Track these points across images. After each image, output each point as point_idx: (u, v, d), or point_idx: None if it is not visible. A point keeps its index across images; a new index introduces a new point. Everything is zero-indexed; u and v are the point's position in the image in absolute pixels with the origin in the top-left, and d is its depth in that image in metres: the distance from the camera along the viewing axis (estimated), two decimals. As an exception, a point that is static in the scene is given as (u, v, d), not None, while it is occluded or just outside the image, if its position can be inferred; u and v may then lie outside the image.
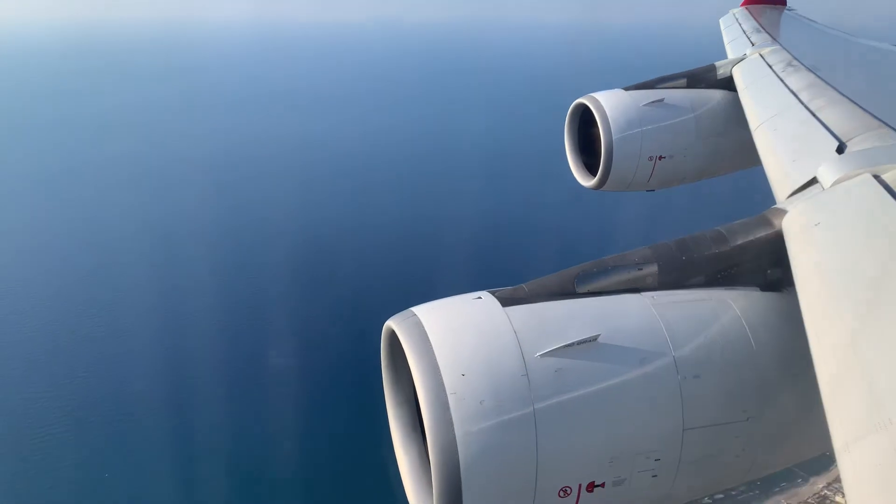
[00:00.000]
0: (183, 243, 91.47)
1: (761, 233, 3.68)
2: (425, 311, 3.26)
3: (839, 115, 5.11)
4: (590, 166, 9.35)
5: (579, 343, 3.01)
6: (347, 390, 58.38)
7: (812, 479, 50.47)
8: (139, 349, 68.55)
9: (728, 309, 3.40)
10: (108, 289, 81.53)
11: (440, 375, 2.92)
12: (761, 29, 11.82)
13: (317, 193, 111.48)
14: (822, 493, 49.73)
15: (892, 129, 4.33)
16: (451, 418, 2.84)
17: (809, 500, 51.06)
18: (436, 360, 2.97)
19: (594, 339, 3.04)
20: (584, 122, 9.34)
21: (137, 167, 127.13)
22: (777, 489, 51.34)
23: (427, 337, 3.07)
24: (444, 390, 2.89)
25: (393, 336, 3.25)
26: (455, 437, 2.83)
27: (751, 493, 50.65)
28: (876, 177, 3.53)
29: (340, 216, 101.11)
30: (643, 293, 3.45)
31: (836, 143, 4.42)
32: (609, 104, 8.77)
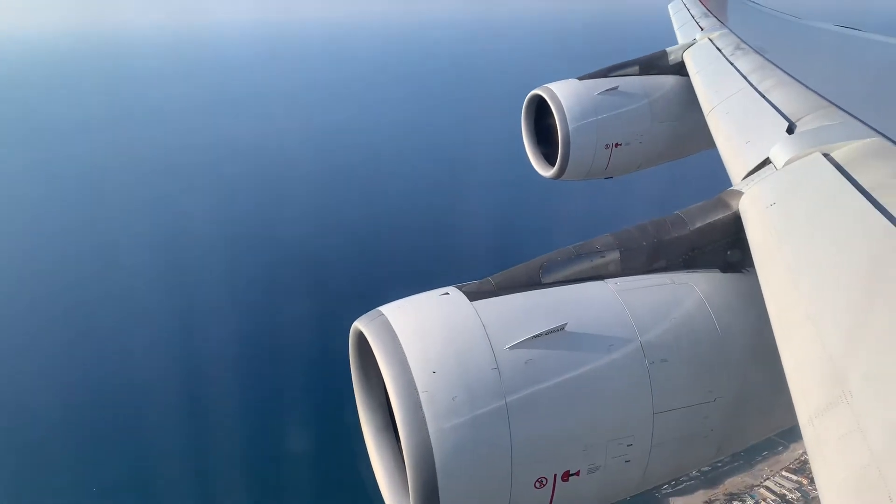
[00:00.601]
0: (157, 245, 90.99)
1: (719, 215, 3.73)
2: (393, 310, 3.24)
3: (787, 95, 5.21)
4: (548, 156, 9.41)
5: (547, 333, 3.02)
6: (317, 396, 57.79)
7: (792, 446, 52.70)
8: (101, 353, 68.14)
9: (691, 292, 3.44)
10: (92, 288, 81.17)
11: (411, 374, 2.90)
12: (709, 13, 12.02)
13: (285, 194, 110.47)
14: (802, 459, 51.78)
15: (838, 107, 4.42)
16: (423, 417, 2.83)
17: (791, 466, 53.37)
18: (406, 358, 2.94)
19: (562, 328, 3.04)
20: (541, 113, 9.40)
21: (136, 168, 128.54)
22: (759, 458, 53.72)
23: (396, 336, 3.04)
24: (415, 389, 2.87)
25: (361, 337, 3.22)
26: (429, 435, 2.81)
27: (735, 464, 52.72)
28: (825, 155, 3.61)
29: (302, 216, 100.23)
30: (607, 280, 3.47)
31: (786, 124, 4.50)
32: (564, 94, 8.84)
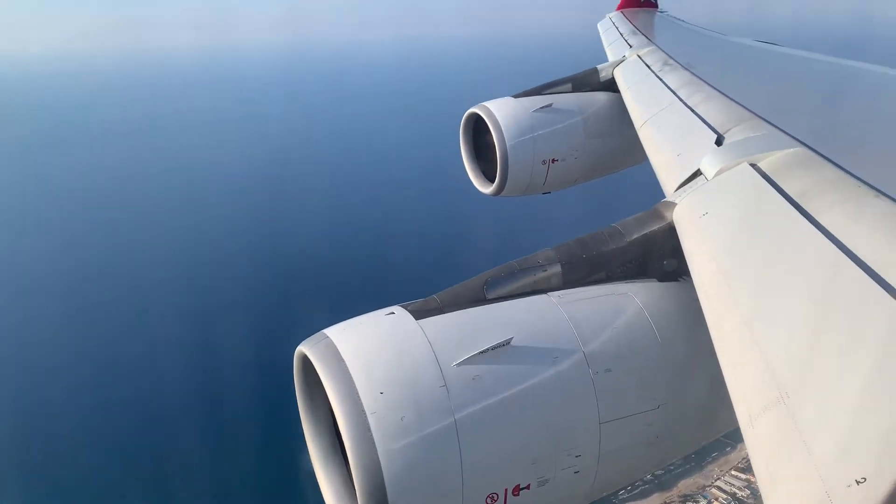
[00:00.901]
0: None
1: (654, 226, 3.82)
2: (338, 332, 3.19)
3: (715, 109, 5.39)
4: (487, 173, 9.52)
5: (494, 348, 3.02)
6: (262, 428, 56.35)
7: (739, 446, 54.38)
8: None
9: (630, 301, 3.50)
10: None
11: (358, 396, 2.85)
12: (637, 31, 12.42)
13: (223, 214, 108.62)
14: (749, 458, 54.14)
15: (763, 119, 4.61)
16: (372, 438, 2.78)
17: (739, 465, 55.31)
18: (352, 381, 2.90)
19: (507, 342, 3.05)
20: (478, 131, 9.51)
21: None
22: (709, 459, 55.59)
23: (341, 358, 2.99)
24: (363, 411, 2.82)
25: (306, 360, 3.16)
26: (378, 457, 2.77)
27: (687, 466, 54.23)
28: (753, 165, 3.74)
29: (239, 236, 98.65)
30: (550, 293, 3.50)
31: (714, 136, 4.66)
32: (500, 112, 8.97)
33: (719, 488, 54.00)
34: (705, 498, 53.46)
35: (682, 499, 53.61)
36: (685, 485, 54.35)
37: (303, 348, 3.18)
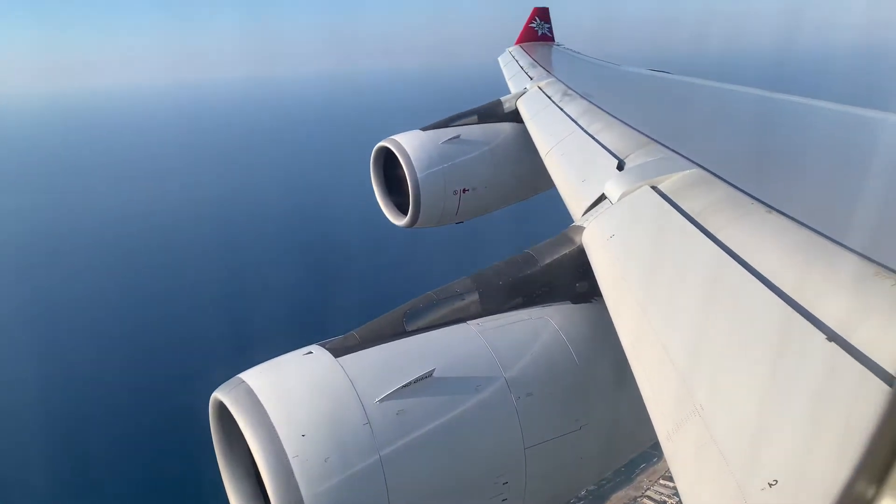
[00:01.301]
0: None
1: (565, 250, 3.93)
2: (254, 376, 3.09)
3: (614, 135, 5.63)
4: (400, 206, 9.55)
5: (416, 381, 2.99)
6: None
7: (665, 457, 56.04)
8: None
9: (547, 325, 3.56)
10: None
11: (279, 440, 2.77)
12: (536, 64, 12.89)
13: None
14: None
15: (659, 143, 4.85)
16: (296, 483, 2.70)
17: (666, 474, 56.08)
18: (272, 425, 2.81)
19: (430, 374, 3.03)
20: (389, 164, 9.55)
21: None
22: (638, 470, 56.65)
23: (259, 402, 2.90)
24: (285, 455, 2.74)
25: (222, 408, 3.03)
26: (303, 501, 2.69)
27: (617, 479, 55.28)
28: (654, 187, 3.92)
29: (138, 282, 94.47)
30: (469, 322, 3.52)
31: (616, 161, 4.86)
32: (410, 145, 9.06)
33: (650, 497, 55.45)
34: (637, 509, 54.82)
35: (614, 511, 54.74)
36: (617, 497, 55.20)
37: (218, 395, 3.06)
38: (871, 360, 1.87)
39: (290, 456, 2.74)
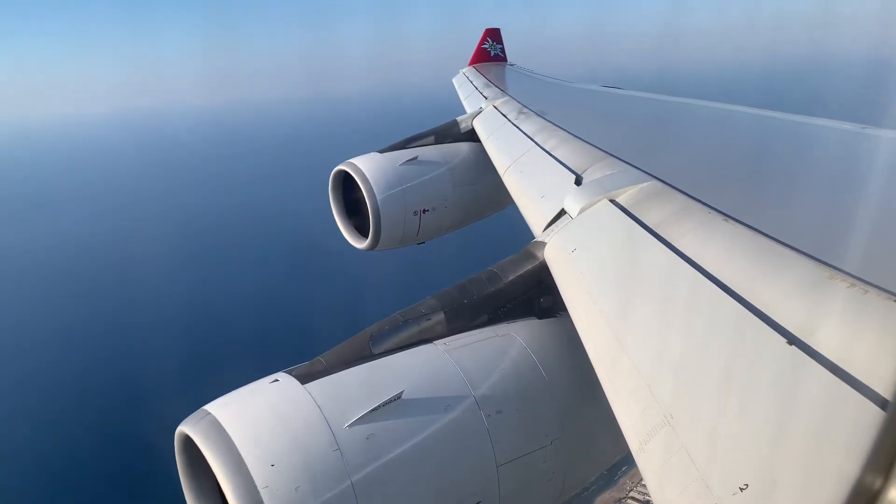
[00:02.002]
0: None
1: (528, 266, 3.96)
2: (220, 407, 3.03)
3: (570, 151, 5.71)
4: (361, 229, 9.52)
5: (385, 404, 2.97)
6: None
7: None
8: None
9: (513, 342, 3.58)
10: None
11: (248, 472, 2.71)
12: (490, 84, 13.03)
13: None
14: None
15: (615, 157, 4.94)
16: None
17: None
18: (240, 456, 2.75)
19: (398, 396, 3.01)
20: (348, 188, 9.52)
21: None
22: (620, 473, 57.34)
23: (226, 434, 2.84)
24: (254, 486, 2.69)
25: (188, 441, 2.96)
26: None
27: (601, 482, 55.80)
28: (612, 201, 3.99)
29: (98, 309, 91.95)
30: (436, 342, 3.51)
31: (573, 177, 4.91)
32: (368, 168, 9.06)
33: (633, 499, 56.14)
34: (622, 510, 55.50)
35: (601, 512, 55.52)
36: (602, 500, 55.90)
37: (183, 428, 2.99)
38: (831, 361, 1.92)
39: (259, 486, 2.69)
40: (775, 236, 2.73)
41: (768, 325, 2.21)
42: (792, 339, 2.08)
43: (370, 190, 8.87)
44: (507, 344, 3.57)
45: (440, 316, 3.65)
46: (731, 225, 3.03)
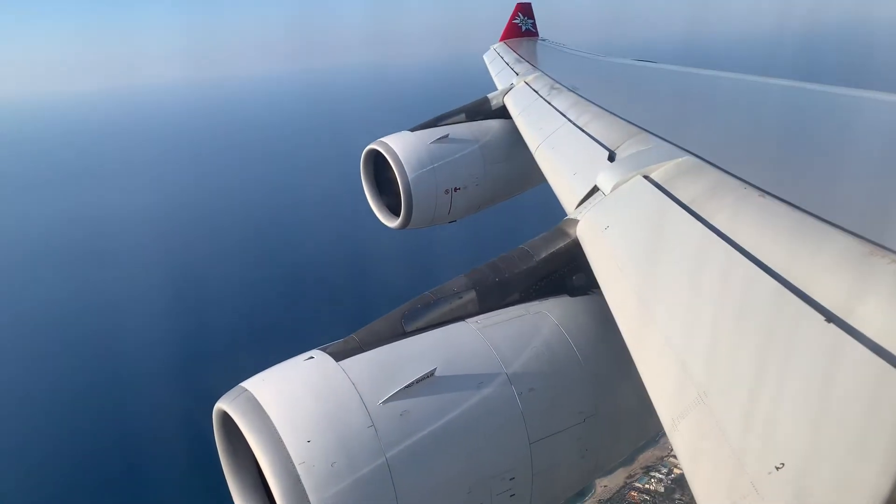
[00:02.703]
0: None
1: (560, 244, 3.93)
2: (256, 384, 3.09)
3: (603, 127, 5.62)
4: (392, 208, 9.56)
5: (418, 381, 3.00)
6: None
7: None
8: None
9: (545, 319, 3.57)
10: None
11: (284, 448, 2.77)
12: (522, 59, 12.89)
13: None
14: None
15: (649, 132, 4.85)
16: (303, 489, 2.71)
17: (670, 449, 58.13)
18: (277, 432, 2.81)
19: (431, 374, 3.04)
20: (379, 166, 9.56)
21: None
22: (662, 433, 58.39)
23: (263, 410, 2.90)
24: (291, 462, 2.75)
25: (226, 417, 3.04)
26: None
27: (644, 441, 57.26)
28: (646, 177, 3.93)
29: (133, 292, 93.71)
30: (468, 320, 3.52)
31: (606, 153, 4.85)
32: (399, 147, 9.07)
33: (675, 457, 57.25)
34: (665, 467, 56.33)
35: (644, 470, 56.42)
36: (644, 458, 57.00)
37: (221, 405, 3.06)
38: (871, 340, 1.88)
39: (296, 462, 2.74)
40: (813, 212, 2.67)
41: (806, 302, 2.17)
42: (830, 317, 2.04)
43: (401, 169, 8.90)
44: (539, 322, 3.57)
45: (472, 294, 3.66)
46: (768, 200, 2.96)
